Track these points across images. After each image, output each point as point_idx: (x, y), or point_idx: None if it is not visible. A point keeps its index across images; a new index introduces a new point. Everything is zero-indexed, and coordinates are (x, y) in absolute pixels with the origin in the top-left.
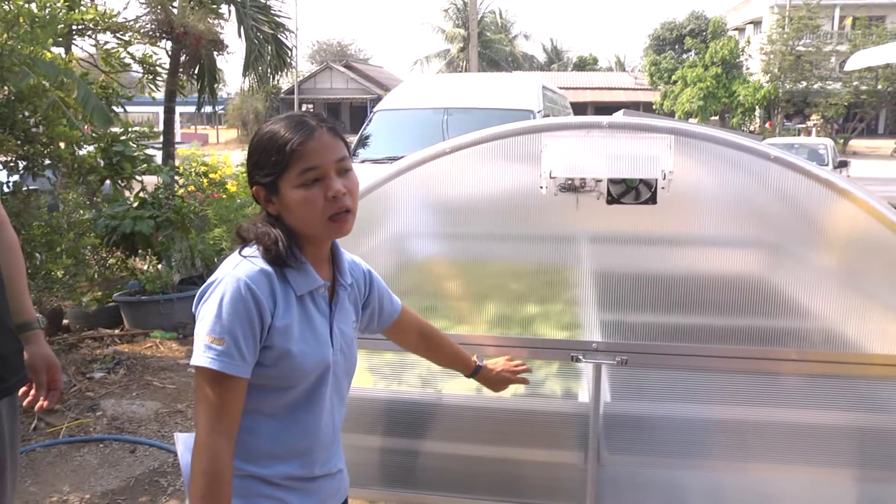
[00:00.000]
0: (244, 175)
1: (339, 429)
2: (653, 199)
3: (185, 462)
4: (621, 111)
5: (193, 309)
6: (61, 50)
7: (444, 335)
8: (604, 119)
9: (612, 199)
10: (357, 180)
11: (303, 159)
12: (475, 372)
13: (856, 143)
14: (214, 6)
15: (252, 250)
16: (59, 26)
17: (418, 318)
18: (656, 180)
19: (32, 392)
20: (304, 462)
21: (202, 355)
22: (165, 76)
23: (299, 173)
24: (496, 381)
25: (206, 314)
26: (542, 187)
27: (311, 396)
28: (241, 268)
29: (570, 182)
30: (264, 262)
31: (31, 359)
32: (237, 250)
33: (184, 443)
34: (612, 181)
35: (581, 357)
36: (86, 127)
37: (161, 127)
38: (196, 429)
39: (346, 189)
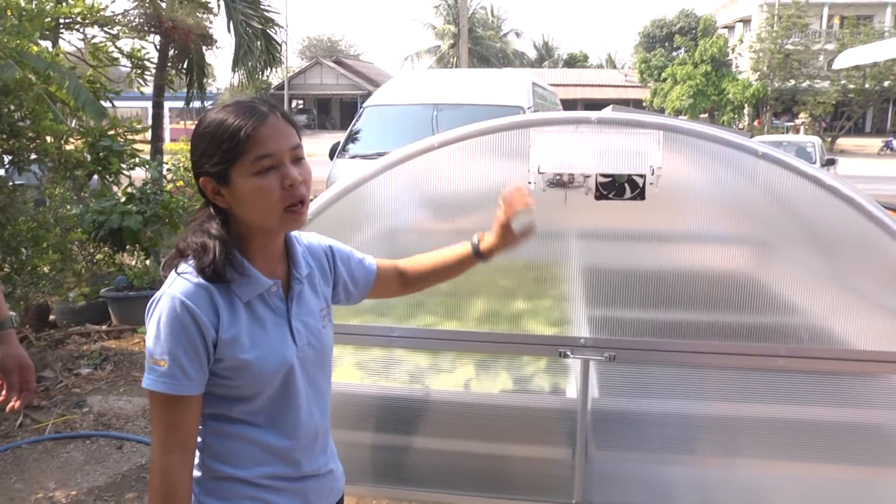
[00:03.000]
0: None
1: (323, 425)
2: (641, 195)
3: None
4: (610, 107)
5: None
6: (48, 44)
7: (424, 256)
8: (592, 114)
9: (600, 195)
10: (310, 169)
11: (257, 146)
12: (478, 256)
13: (843, 142)
14: (203, 0)
15: (189, 265)
16: (47, 19)
17: (393, 263)
18: (645, 176)
19: (4, 393)
20: (287, 462)
21: (147, 377)
22: (154, 71)
23: (253, 160)
24: (504, 240)
25: (149, 335)
26: (530, 182)
27: (283, 396)
28: (176, 285)
29: (558, 177)
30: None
31: (2, 359)
32: (176, 265)
33: None
34: (600, 177)
35: (569, 353)
36: (73, 122)
37: (150, 122)
38: (151, 448)
39: (301, 178)
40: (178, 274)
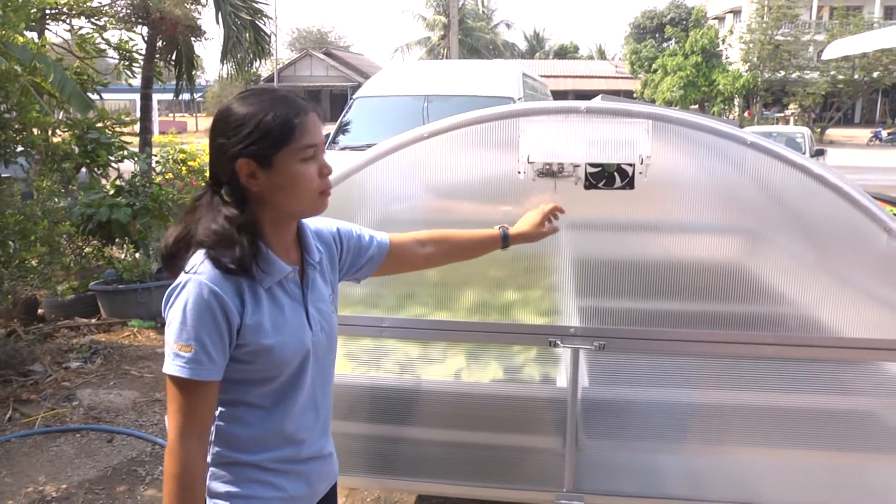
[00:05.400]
0: None
1: (323, 408)
2: (630, 185)
3: None
4: (599, 96)
5: (163, 311)
6: (34, 35)
7: (450, 232)
8: (581, 104)
9: (589, 185)
10: None
11: (307, 135)
12: (505, 242)
13: (833, 132)
14: None
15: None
16: (32, 10)
17: (413, 237)
18: (634, 165)
19: None
20: (292, 445)
21: (171, 363)
22: (142, 62)
23: (302, 148)
24: (529, 234)
25: (172, 320)
26: (519, 172)
27: (294, 381)
28: (202, 269)
29: (547, 167)
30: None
31: None
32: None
33: None
34: (589, 166)
35: (559, 342)
36: (60, 114)
37: (138, 114)
38: (168, 432)
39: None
40: (205, 259)
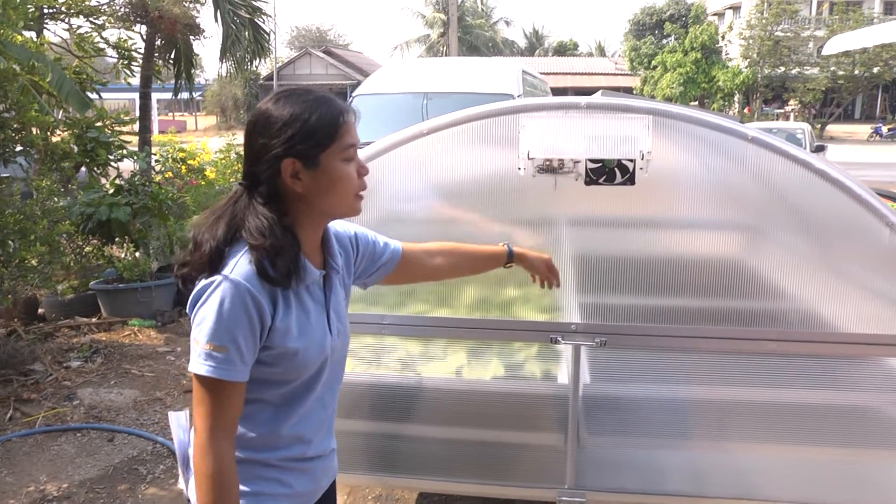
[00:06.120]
0: (223, 161)
1: (331, 408)
2: (631, 180)
3: (181, 441)
4: (599, 92)
5: (189, 310)
6: (33, 34)
7: (459, 245)
8: (582, 100)
9: (590, 181)
10: None
11: (348, 134)
12: (510, 260)
13: (833, 128)
14: None
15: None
16: (31, 9)
17: (423, 247)
18: (634, 161)
19: None
20: (300, 444)
21: (202, 363)
22: (140, 61)
23: (345, 147)
24: (533, 268)
25: (205, 319)
26: (520, 168)
27: (309, 384)
28: (238, 270)
29: (548, 163)
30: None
31: None
32: (236, 247)
33: (177, 421)
34: (590, 162)
35: (560, 339)
36: (59, 113)
37: (137, 113)
38: (196, 433)
39: None
40: (246, 260)
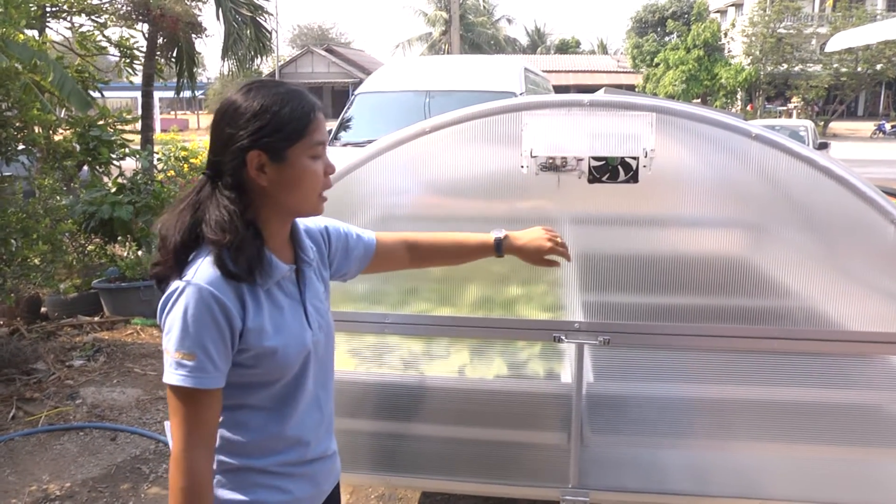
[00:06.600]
0: None
1: (327, 407)
2: (634, 178)
3: None
4: (602, 89)
5: (157, 318)
6: (35, 32)
7: (441, 235)
8: (585, 97)
9: (593, 178)
10: None
11: (317, 131)
12: (499, 248)
13: (836, 126)
14: None
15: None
16: (33, 7)
17: (401, 238)
18: (638, 159)
19: None
20: (298, 447)
21: (174, 373)
22: (142, 60)
23: (314, 144)
24: (529, 253)
25: (172, 327)
26: (522, 166)
27: (297, 382)
28: (200, 275)
29: (551, 161)
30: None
31: None
32: (199, 252)
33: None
34: (593, 160)
35: (563, 337)
36: (62, 111)
37: (139, 112)
38: (172, 443)
39: None
40: (208, 261)
